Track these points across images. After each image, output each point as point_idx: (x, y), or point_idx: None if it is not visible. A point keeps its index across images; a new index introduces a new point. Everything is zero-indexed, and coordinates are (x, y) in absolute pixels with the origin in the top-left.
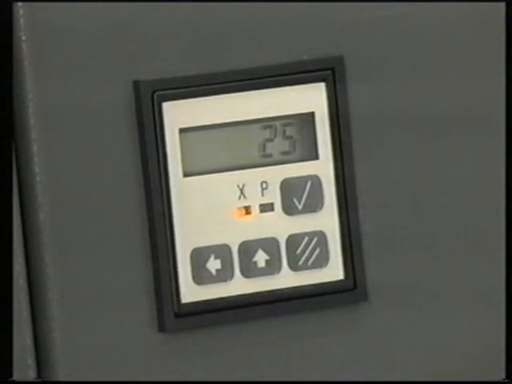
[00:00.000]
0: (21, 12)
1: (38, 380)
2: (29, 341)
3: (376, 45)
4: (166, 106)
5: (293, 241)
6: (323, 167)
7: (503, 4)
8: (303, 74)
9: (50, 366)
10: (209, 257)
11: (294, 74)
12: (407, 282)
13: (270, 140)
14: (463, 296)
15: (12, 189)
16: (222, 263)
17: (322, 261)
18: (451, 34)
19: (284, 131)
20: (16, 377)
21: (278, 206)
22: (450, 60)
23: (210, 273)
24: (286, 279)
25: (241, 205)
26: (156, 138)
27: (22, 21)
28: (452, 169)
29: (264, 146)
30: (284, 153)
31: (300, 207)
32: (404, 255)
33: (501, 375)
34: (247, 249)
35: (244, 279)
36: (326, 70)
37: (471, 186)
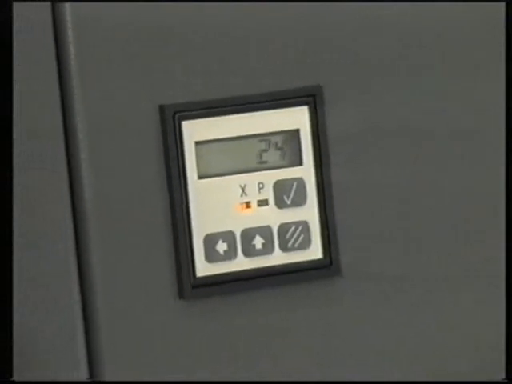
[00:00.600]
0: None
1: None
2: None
3: (354, 69)
4: (185, 124)
5: (283, 228)
6: (306, 171)
7: (502, 12)
8: (291, 99)
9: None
10: (217, 241)
11: (284, 99)
12: (376, 262)
13: (266, 150)
14: (431, 278)
15: (12, 189)
16: (228, 246)
17: (305, 244)
18: (431, 48)
19: (276, 143)
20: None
21: (271, 201)
22: (428, 80)
23: (219, 253)
24: (278, 258)
25: (242, 200)
26: (177, 149)
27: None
28: (425, 171)
29: (261, 155)
30: (276, 160)
31: (288, 202)
32: (372, 241)
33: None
34: (247, 234)
35: (245, 258)
36: (309, 97)
37: (444, 182)
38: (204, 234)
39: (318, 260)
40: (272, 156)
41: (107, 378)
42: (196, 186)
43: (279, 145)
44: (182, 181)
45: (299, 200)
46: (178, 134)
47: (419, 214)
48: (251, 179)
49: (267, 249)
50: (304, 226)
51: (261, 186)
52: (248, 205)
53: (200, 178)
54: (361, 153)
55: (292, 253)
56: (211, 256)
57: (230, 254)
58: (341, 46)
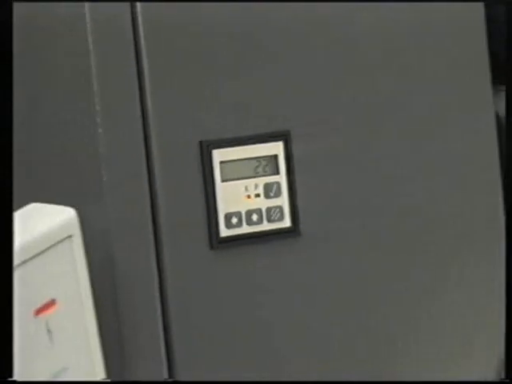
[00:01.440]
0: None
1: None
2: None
3: (318, 116)
4: (214, 152)
5: (268, 209)
6: (281, 178)
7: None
8: (273, 137)
9: None
10: (232, 216)
11: (269, 137)
12: (323, 229)
13: (258, 166)
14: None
15: (12, 189)
16: (238, 219)
17: (281, 218)
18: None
19: (264, 162)
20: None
21: (262, 194)
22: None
23: (232, 223)
24: (265, 226)
25: (246, 194)
26: (209, 166)
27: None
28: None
29: (256, 169)
30: (264, 171)
31: (272, 195)
32: (322, 216)
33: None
34: (249, 213)
35: (247, 226)
36: (283, 136)
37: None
38: (224, 213)
39: (288, 227)
40: (262, 169)
41: (169, 297)
42: (220, 186)
43: (266, 163)
44: (212, 183)
45: (277, 194)
46: (210, 157)
47: (369, 205)
48: (251, 182)
49: (260, 221)
50: (280, 208)
51: (256, 186)
52: (249, 196)
53: (222, 181)
54: (314, 166)
55: (273, 223)
56: (228, 225)
57: (239, 224)
58: (306, 100)
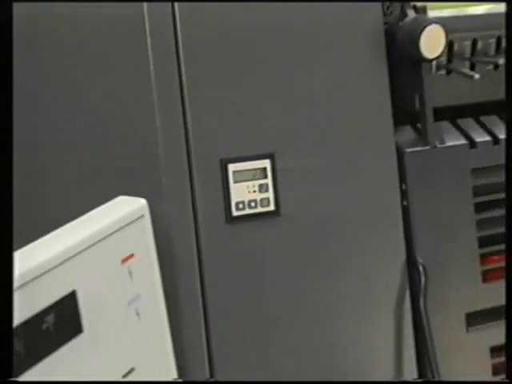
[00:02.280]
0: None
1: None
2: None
3: (302, 141)
4: (229, 165)
5: (262, 200)
6: (269, 181)
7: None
8: (263, 156)
9: None
10: (239, 204)
11: (260, 156)
12: (299, 212)
13: (255, 174)
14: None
15: (12, 188)
16: (243, 205)
17: (268, 205)
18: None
19: (259, 171)
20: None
21: (257, 191)
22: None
23: (240, 207)
24: (259, 210)
25: (247, 190)
26: (226, 173)
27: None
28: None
29: (254, 175)
30: (258, 177)
31: (263, 191)
32: (296, 201)
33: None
34: (250, 202)
35: (248, 209)
36: (270, 156)
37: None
38: (235, 201)
39: (273, 210)
40: (258, 175)
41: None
42: (233, 186)
43: (260, 172)
44: (227, 184)
45: (266, 190)
46: (226, 168)
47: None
48: (250, 183)
49: (256, 206)
50: (268, 199)
51: (253, 185)
52: (249, 192)
53: (234, 183)
54: (289, 174)
55: (264, 208)
56: (237, 208)
57: (243, 208)
58: (285, 133)
